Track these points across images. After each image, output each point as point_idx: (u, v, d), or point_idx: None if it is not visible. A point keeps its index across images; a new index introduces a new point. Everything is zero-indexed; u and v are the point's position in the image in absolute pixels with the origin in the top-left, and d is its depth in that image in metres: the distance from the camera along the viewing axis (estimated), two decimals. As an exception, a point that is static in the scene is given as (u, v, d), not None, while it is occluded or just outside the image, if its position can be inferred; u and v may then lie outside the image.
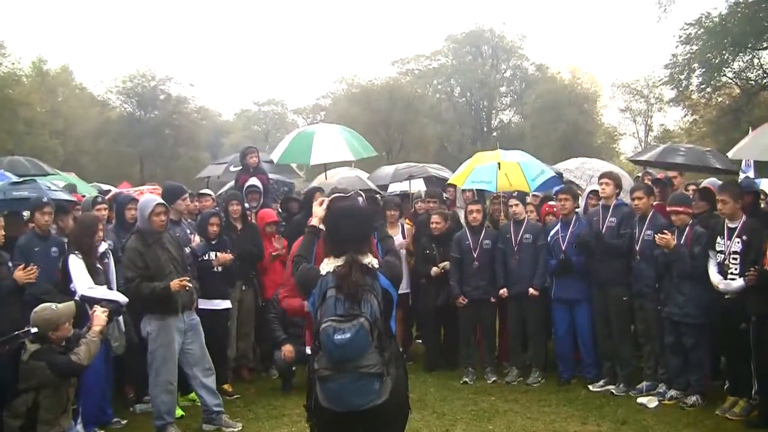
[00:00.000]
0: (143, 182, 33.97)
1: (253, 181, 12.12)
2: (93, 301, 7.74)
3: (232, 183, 13.59)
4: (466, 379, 10.77)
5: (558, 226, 10.61)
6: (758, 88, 43.74)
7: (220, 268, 10.15)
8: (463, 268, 10.93)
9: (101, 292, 8.19)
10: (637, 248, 9.77)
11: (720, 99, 47.70)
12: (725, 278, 8.72)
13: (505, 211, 11.32)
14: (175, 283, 8.15)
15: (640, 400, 9.56)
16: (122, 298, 8.23)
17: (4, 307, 7.78)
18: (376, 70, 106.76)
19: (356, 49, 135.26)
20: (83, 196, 11.28)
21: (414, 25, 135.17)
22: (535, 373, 10.71)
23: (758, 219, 8.96)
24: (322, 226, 5.45)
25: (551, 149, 50.97)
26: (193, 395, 9.32)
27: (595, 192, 11.04)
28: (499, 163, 11.52)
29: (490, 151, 12.66)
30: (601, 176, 10.58)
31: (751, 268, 8.18)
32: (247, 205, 11.52)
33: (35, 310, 6.89)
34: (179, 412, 9.00)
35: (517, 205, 10.88)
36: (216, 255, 10.05)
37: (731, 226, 8.79)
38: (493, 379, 10.81)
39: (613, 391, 9.97)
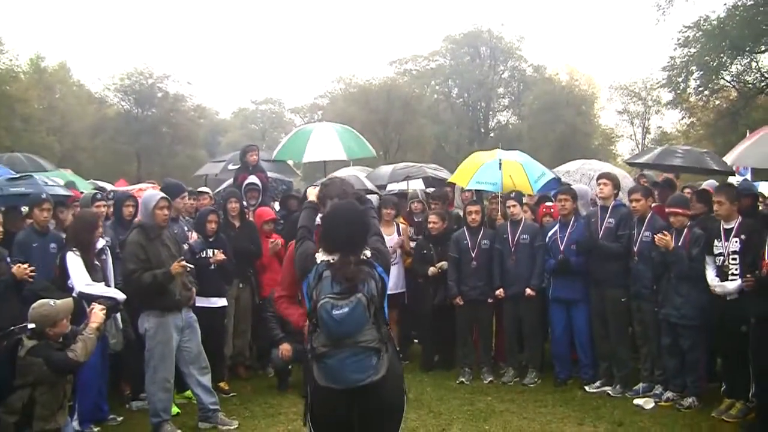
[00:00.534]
0: (140, 179, 33.99)
1: (252, 179, 12.16)
2: (91, 298, 7.74)
3: (230, 181, 13.60)
4: (463, 379, 10.78)
5: (556, 227, 10.61)
6: (756, 91, 43.80)
7: (215, 266, 10.13)
8: (461, 268, 10.95)
9: (99, 289, 8.18)
10: (635, 249, 9.80)
11: (718, 102, 47.83)
12: (726, 279, 8.72)
13: (503, 211, 11.30)
14: (175, 266, 8.21)
15: (636, 401, 9.58)
16: (120, 295, 8.22)
17: (3, 303, 7.74)
18: (374, 70, 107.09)
19: (354, 48, 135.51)
20: (81, 193, 11.27)
21: (412, 26, 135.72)
22: (531, 374, 10.71)
23: (757, 221, 8.97)
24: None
25: (548, 150, 51.02)
26: (189, 393, 9.30)
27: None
28: (500, 162, 11.54)
29: (489, 151, 12.70)
30: (600, 176, 10.60)
31: (747, 275, 8.17)
32: (245, 202, 11.52)
33: (33, 306, 6.89)
34: (175, 410, 8.98)
35: (514, 205, 10.89)
36: (213, 252, 10.03)
37: (727, 227, 8.83)
38: (490, 379, 10.82)
39: (610, 392, 9.98)
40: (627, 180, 12.96)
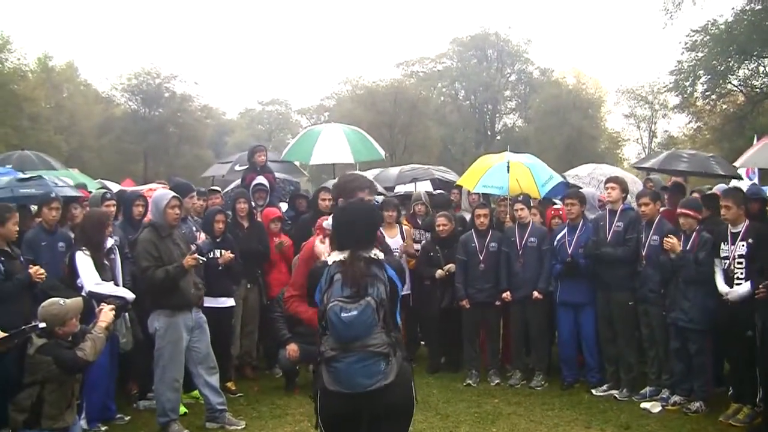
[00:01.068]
0: (147, 179, 34.01)
1: (260, 179, 12.16)
2: (100, 297, 7.77)
3: (238, 182, 13.61)
4: (470, 382, 10.77)
5: (565, 230, 10.60)
6: (763, 95, 43.78)
7: (223, 266, 10.12)
8: (469, 271, 10.96)
9: (108, 288, 8.21)
10: (644, 253, 9.78)
11: (725, 106, 47.80)
12: (731, 283, 8.72)
13: (511, 214, 11.29)
14: (188, 259, 8.25)
15: (643, 405, 9.56)
16: (129, 295, 8.25)
17: (16, 301, 7.75)
18: (381, 72, 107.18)
19: (361, 50, 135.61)
20: (90, 192, 11.29)
21: (419, 28, 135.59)
22: (538, 377, 10.71)
23: (766, 225, 8.97)
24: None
25: (555, 153, 51.07)
26: (196, 393, 9.33)
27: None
28: (509, 165, 11.57)
29: (497, 154, 12.72)
30: (607, 180, 10.61)
31: (760, 286, 8.16)
32: (253, 203, 11.55)
33: (43, 304, 6.91)
34: (182, 410, 8.99)
35: (522, 209, 10.90)
36: (221, 253, 10.04)
37: (734, 231, 8.83)
38: (497, 381, 10.81)
39: (617, 395, 9.96)
40: (637, 184, 12.95)
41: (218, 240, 10.14)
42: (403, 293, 11.14)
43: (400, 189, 16.04)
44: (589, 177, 13.82)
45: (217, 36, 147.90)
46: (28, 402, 6.66)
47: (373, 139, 15.81)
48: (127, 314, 8.38)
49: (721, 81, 44.95)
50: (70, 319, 6.90)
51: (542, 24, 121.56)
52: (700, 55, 44.29)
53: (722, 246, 8.90)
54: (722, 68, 43.76)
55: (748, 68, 44.99)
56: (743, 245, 8.69)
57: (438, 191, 14.32)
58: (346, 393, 4.79)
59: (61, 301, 6.94)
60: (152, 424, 8.61)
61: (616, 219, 10.12)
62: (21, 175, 10.62)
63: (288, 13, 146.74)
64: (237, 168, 15.05)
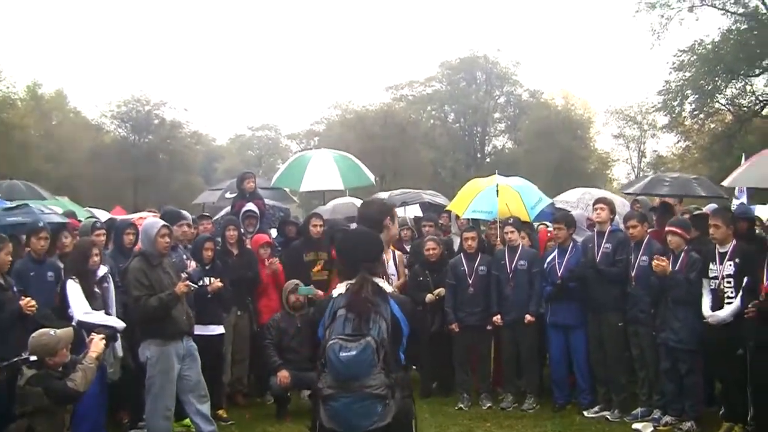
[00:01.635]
0: (137, 207, 33.98)
1: (250, 206, 12.15)
2: (90, 327, 7.76)
3: (227, 209, 13.62)
4: (462, 405, 10.76)
5: (555, 252, 10.66)
6: (751, 114, 44.04)
7: (212, 294, 10.10)
8: (458, 295, 10.98)
9: (98, 317, 8.21)
10: (633, 274, 9.84)
11: (713, 125, 48.01)
12: (722, 303, 8.81)
13: (502, 237, 11.32)
14: (180, 286, 8.26)
15: (635, 426, 9.59)
16: (119, 324, 8.26)
17: (10, 332, 7.75)
18: (370, 96, 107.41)
19: (350, 74, 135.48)
20: (80, 221, 11.30)
21: (408, 51, 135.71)
22: (529, 399, 10.72)
23: (754, 245, 9.03)
24: None
25: (545, 175, 51.03)
26: (187, 421, 9.25)
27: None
28: (497, 188, 11.62)
29: (486, 178, 12.78)
30: (596, 201, 10.67)
31: (749, 305, 8.20)
32: (243, 230, 11.55)
33: (33, 335, 6.90)
34: (174, 438, 8.95)
35: (512, 231, 10.91)
36: (210, 280, 10.04)
37: (722, 250, 8.91)
38: (488, 404, 10.81)
39: (608, 416, 9.99)
40: (625, 206, 13.01)
41: (207, 268, 10.15)
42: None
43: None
44: (578, 201, 13.87)
45: (206, 62, 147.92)
46: (18, 433, 6.65)
47: (363, 164, 15.83)
48: (117, 343, 8.38)
49: (708, 100, 45.20)
50: (60, 349, 6.88)
51: (531, 46, 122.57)
52: (688, 74, 44.55)
53: (711, 266, 8.98)
54: (710, 87, 44.02)
55: (735, 87, 45.27)
56: (731, 265, 8.79)
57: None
58: None
59: (52, 331, 6.93)
60: (143, 453, 8.56)
61: (604, 240, 10.19)
62: (8, 204, 10.64)
63: (277, 38, 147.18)
64: (227, 195, 15.06)
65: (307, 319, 10.25)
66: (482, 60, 71.44)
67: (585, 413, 10.21)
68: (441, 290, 10.97)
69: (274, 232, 13.00)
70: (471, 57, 71.17)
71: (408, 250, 12.52)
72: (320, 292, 9.95)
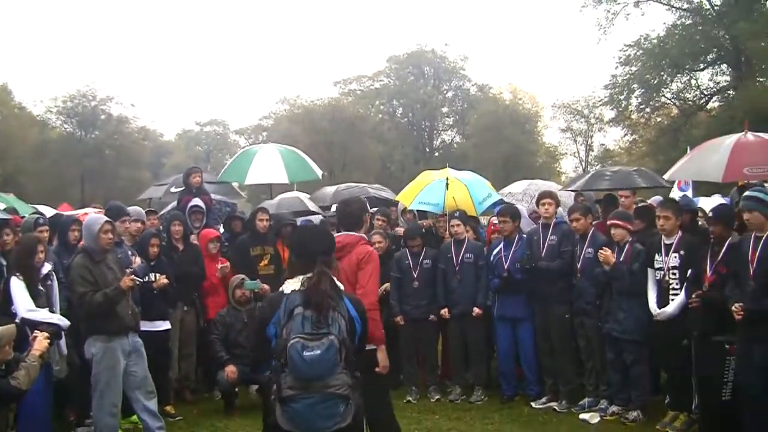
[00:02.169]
0: (84, 203, 33.64)
1: (196, 201, 12.09)
2: (34, 324, 7.66)
3: (173, 204, 13.53)
4: (410, 398, 10.78)
5: (501, 245, 10.69)
6: (696, 108, 44.68)
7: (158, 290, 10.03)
8: (403, 288, 10.99)
9: (42, 314, 8.09)
10: (578, 266, 9.92)
11: (659, 119, 48.67)
12: (666, 294, 8.90)
13: (449, 230, 11.35)
14: (125, 280, 8.17)
15: (582, 416, 9.68)
16: (63, 321, 8.15)
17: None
18: (319, 91, 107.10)
19: (298, 69, 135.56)
20: (22, 218, 11.15)
21: (356, 46, 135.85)
22: (477, 391, 10.77)
23: (697, 236, 9.12)
24: None
25: (493, 169, 51.25)
26: (134, 418, 9.16)
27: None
28: (447, 181, 11.66)
29: (438, 170, 12.82)
30: (542, 196, 10.68)
31: (693, 295, 8.30)
32: (189, 225, 11.49)
33: (-26, 333, 6.81)
34: (121, 435, 8.88)
35: (458, 225, 10.95)
36: (156, 276, 9.97)
37: (667, 242, 8.98)
38: (437, 397, 10.84)
39: (556, 407, 10.07)
40: (571, 198, 13.11)
41: (153, 263, 10.09)
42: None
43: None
44: (523, 194, 13.94)
45: (153, 57, 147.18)
46: (-40, 433, 6.57)
47: (311, 159, 15.81)
48: (62, 341, 8.29)
49: (654, 94, 45.82)
50: (3, 347, 6.78)
51: (478, 40, 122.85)
52: (634, 69, 45.15)
53: (656, 257, 9.05)
54: (655, 82, 44.62)
55: (680, 81, 45.97)
56: (676, 257, 8.85)
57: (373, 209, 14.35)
58: None
59: (-7, 328, 6.85)
60: (90, 450, 8.48)
61: (549, 233, 10.26)
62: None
63: (224, 33, 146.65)
64: (173, 190, 14.94)
65: (253, 314, 10.20)
66: (430, 54, 71.69)
67: (533, 404, 10.28)
68: (386, 285, 10.88)
69: (222, 228, 12.93)
70: (419, 51, 71.37)
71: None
72: (266, 287, 9.95)
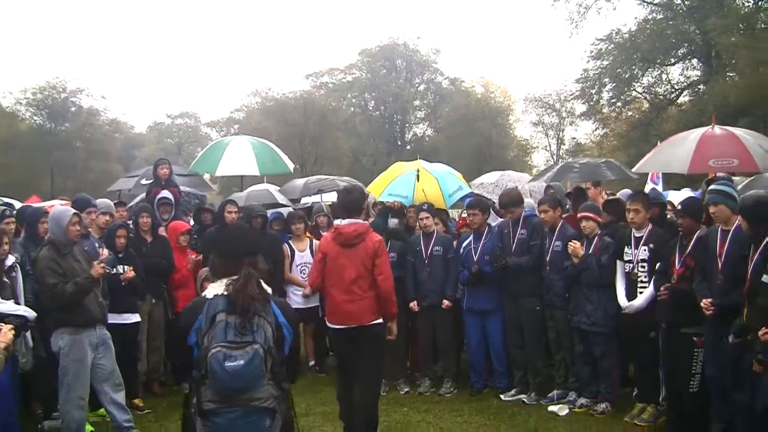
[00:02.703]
0: (54, 195, 33.46)
1: (165, 193, 12.05)
2: (-1, 317, 7.61)
3: (142, 196, 13.47)
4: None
5: (471, 238, 10.70)
6: (667, 102, 45.08)
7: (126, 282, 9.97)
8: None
9: (7, 307, 8.01)
10: (547, 259, 9.95)
11: (630, 113, 49.07)
12: (635, 287, 8.96)
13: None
14: (96, 269, 8.15)
15: (551, 408, 9.72)
16: (30, 313, 8.04)
17: None
18: (290, 84, 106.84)
19: (270, 62, 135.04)
20: (-10, 210, 11.05)
21: (328, 39, 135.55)
22: (447, 384, 10.78)
23: (665, 229, 9.16)
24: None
25: (465, 162, 51.33)
26: (102, 411, 9.09)
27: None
28: (418, 173, 11.66)
29: (410, 162, 12.82)
30: (505, 205, 10.69)
31: (661, 288, 8.34)
32: (158, 217, 11.44)
33: (-62, 325, 6.74)
34: (89, 428, 8.82)
35: (427, 217, 10.94)
36: (124, 268, 9.90)
37: (637, 235, 9.03)
38: (406, 390, 10.86)
39: (525, 400, 10.09)
40: (541, 190, 13.14)
41: (120, 255, 10.01)
42: (311, 305, 11.19)
43: (307, 200, 16.04)
44: (493, 186, 13.95)
45: (124, 49, 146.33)
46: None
47: (283, 152, 15.80)
48: (28, 333, 8.21)
49: (625, 88, 46.27)
50: (-33, 340, 6.74)
51: (450, 34, 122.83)
52: (605, 63, 45.55)
53: (626, 250, 9.10)
54: (627, 76, 45.07)
55: (651, 76, 46.48)
56: (645, 249, 8.90)
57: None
58: None
59: (-42, 321, 6.79)
60: (57, 444, 8.42)
61: (519, 226, 10.26)
62: None
63: (195, 25, 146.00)
64: (143, 182, 14.91)
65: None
66: (402, 48, 71.93)
67: (502, 397, 10.30)
68: None
69: (191, 220, 12.88)
70: (391, 45, 71.58)
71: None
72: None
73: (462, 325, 10.95)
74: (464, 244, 10.73)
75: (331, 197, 15.64)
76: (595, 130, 54.19)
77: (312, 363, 12.12)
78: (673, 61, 44.81)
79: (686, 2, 42.79)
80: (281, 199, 15.13)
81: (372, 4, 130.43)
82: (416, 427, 9.26)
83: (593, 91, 47.61)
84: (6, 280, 8.32)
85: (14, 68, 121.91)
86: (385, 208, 11.77)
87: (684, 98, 45.49)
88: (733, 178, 10.11)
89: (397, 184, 12.08)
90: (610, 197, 11.17)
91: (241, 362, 4.26)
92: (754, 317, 6.64)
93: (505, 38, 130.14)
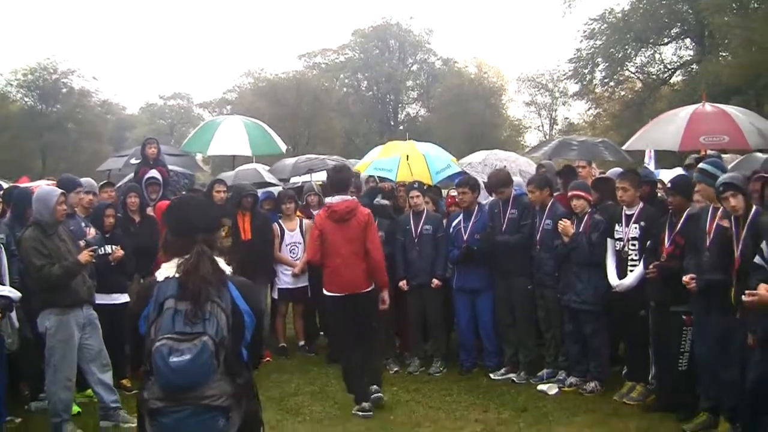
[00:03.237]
0: (45, 177, 33.39)
1: (153, 173, 12.03)
2: (-17, 297, 7.56)
3: (131, 175, 13.43)
4: (368, 370, 10.71)
5: (461, 216, 10.66)
6: (659, 82, 45.06)
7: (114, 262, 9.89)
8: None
9: (-8, 287, 8.00)
10: (538, 238, 9.93)
11: (623, 93, 49.02)
12: (625, 264, 8.96)
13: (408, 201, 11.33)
14: (84, 255, 8.08)
15: (540, 387, 9.73)
16: (14, 294, 8.02)
17: None
18: (283, 64, 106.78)
19: (263, 42, 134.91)
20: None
21: (321, 19, 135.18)
22: (436, 363, 10.78)
23: (655, 207, 9.14)
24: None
25: (458, 142, 51.22)
26: (90, 391, 9.07)
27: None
28: (407, 155, 11.63)
29: (403, 141, 12.77)
30: (493, 186, 10.66)
31: (650, 266, 8.34)
32: (147, 197, 11.40)
33: None
34: (76, 409, 8.79)
35: (417, 196, 10.91)
36: (112, 248, 9.82)
37: (628, 212, 9.02)
38: (395, 369, 10.85)
39: (514, 379, 10.10)
40: (532, 167, 13.10)
41: (108, 235, 9.93)
42: (300, 285, 11.16)
43: (297, 180, 16.00)
44: (482, 165, 13.91)
45: (115, 30, 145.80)
46: None
47: (276, 133, 15.77)
48: (13, 314, 8.17)
49: (618, 68, 46.21)
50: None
51: (443, 14, 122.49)
52: (598, 42, 45.46)
53: (617, 227, 9.10)
54: (620, 56, 45.01)
55: (644, 55, 46.44)
56: (636, 228, 8.91)
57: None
58: None
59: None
60: (45, 425, 8.35)
61: (510, 206, 10.22)
62: None
63: (188, 5, 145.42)
64: (132, 161, 14.86)
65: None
66: (395, 28, 71.69)
67: (492, 376, 10.31)
68: None
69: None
70: (384, 25, 71.34)
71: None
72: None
73: (452, 304, 10.92)
74: (454, 223, 10.70)
75: (321, 176, 15.59)
76: (588, 109, 54.16)
77: (302, 343, 12.08)
78: (666, 40, 44.73)
79: (679, -19, 42.79)
80: (269, 178, 15.09)
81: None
82: (405, 406, 9.25)
83: (586, 71, 47.54)
84: (-10, 260, 8.28)
85: (5, 49, 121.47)
86: (374, 188, 11.75)
87: (677, 78, 45.41)
88: (724, 156, 10.08)
89: (382, 158, 12.01)
90: (600, 176, 11.14)
91: (188, 357, 3.76)
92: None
93: (498, 18, 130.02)
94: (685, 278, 7.61)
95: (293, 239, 11.73)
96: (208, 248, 4.12)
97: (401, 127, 68.10)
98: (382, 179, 12.87)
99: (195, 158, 16.42)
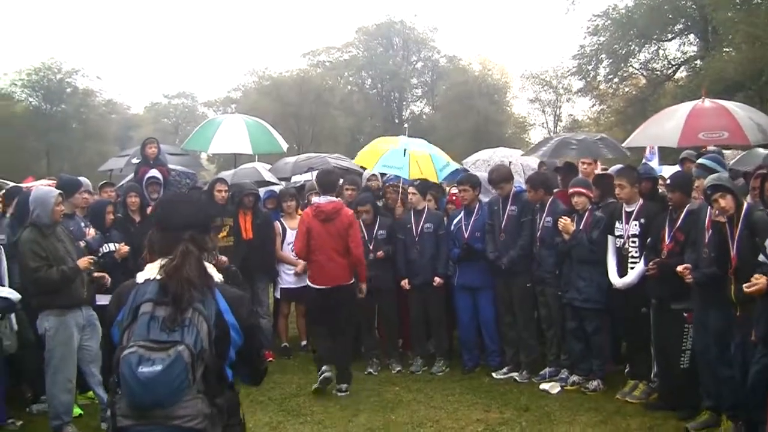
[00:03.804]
0: (50, 177, 33.38)
1: (153, 172, 11.98)
2: (-18, 299, 7.55)
3: (131, 175, 13.41)
4: (371, 370, 10.72)
5: (461, 214, 10.63)
6: (663, 78, 45.01)
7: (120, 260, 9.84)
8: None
9: (-9, 288, 7.98)
10: (538, 235, 9.91)
11: (627, 89, 49.01)
12: (625, 261, 8.93)
13: (403, 200, 11.42)
14: (83, 261, 8.08)
15: (542, 386, 9.71)
16: (14, 295, 8.00)
17: None
18: (287, 62, 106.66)
19: (267, 41, 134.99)
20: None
21: (325, 17, 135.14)
22: (439, 362, 10.75)
23: (656, 203, 9.10)
24: None
25: (462, 140, 51.36)
26: (91, 393, 9.07)
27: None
28: (405, 150, 11.59)
29: (393, 137, 12.73)
30: (493, 182, 10.63)
31: (650, 263, 8.31)
32: (147, 197, 11.37)
33: None
34: (77, 411, 8.75)
35: (414, 194, 10.89)
36: (115, 246, 9.77)
37: (628, 209, 9.01)
38: (398, 369, 10.81)
39: (517, 378, 10.06)
40: (533, 163, 13.09)
41: (107, 234, 9.89)
42: (303, 284, 11.16)
43: (299, 179, 15.97)
44: (486, 164, 13.89)
45: (120, 29, 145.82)
46: None
47: (278, 132, 15.75)
48: (13, 316, 8.16)
49: (622, 64, 46.20)
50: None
51: (448, 11, 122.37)
52: (602, 39, 45.44)
53: (617, 224, 9.08)
54: (623, 52, 44.98)
55: (648, 52, 46.39)
56: (636, 224, 8.89)
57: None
58: None
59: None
60: (46, 428, 8.30)
61: (509, 202, 10.19)
62: None
63: (192, 4, 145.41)
64: (133, 161, 14.84)
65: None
66: (399, 25, 71.65)
67: (494, 375, 10.29)
68: None
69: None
70: (388, 22, 71.32)
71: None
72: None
73: (453, 302, 10.87)
74: (455, 221, 10.67)
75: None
76: (592, 106, 54.21)
77: (304, 343, 12.06)
78: (669, 36, 44.68)
79: (682, -23, 42.73)
80: (268, 176, 15.06)
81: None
82: (407, 405, 9.22)
83: (590, 68, 47.56)
84: (-10, 261, 8.28)
85: (9, 50, 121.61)
86: (365, 188, 11.76)
87: (681, 74, 45.34)
88: (725, 152, 10.04)
89: (390, 156, 11.95)
90: (600, 172, 11.10)
91: (159, 368, 3.30)
92: (743, 293, 6.59)
93: (502, 15, 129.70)
94: (680, 268, 7.62)
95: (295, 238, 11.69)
96: (196, 248, 3.73)
97: (405, 125, 67.99)
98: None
99: (200, 157, 16.40)
